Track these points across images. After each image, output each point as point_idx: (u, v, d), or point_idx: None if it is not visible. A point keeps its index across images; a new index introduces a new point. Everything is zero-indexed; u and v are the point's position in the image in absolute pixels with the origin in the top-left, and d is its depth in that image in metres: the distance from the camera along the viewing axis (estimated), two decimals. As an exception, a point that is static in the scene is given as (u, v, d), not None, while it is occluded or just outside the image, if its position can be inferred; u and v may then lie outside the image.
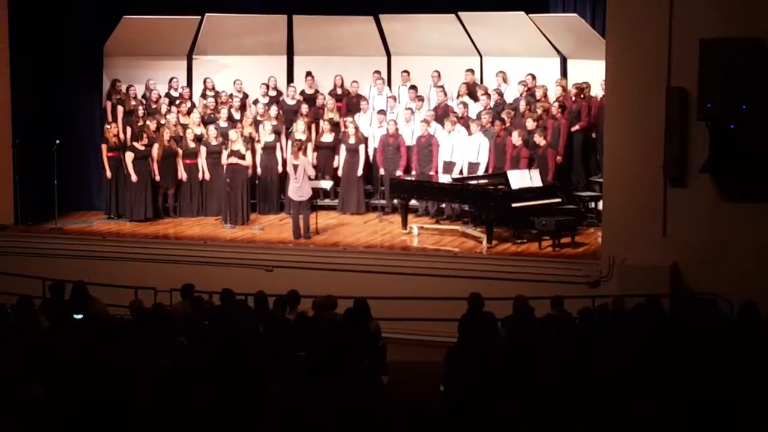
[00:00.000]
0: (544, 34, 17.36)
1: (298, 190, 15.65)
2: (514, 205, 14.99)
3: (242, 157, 16.59)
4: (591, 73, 16.46)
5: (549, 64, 17.64)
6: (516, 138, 15.83)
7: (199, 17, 18.36)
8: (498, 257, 14.66)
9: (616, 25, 13.58)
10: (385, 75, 18.69)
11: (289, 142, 16.80)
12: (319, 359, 8.91)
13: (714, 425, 7.35)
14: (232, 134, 16.67)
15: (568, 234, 14.99)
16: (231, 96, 18.10)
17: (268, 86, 18.34)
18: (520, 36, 17.46)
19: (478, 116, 16.70)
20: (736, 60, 12.56)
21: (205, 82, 18.35)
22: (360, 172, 17.15)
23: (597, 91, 16.38)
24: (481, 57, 18.28)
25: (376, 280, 14.30)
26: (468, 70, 17.88)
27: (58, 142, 16.50)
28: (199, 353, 9.07)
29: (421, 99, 17.54)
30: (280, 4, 18.76)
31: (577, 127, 16.30)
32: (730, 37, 12.63)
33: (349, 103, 18.15)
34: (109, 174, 17.04)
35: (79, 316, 10.70)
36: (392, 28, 18.58)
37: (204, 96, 18.21)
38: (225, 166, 16.62)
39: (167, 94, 18.25)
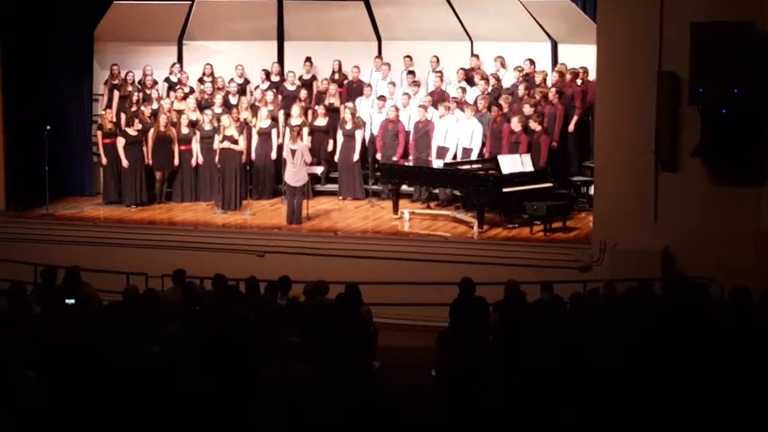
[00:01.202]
0: (535, 19, 17.29)
1: (294, 174, 15.59)
2: (505, 189, 14.96)
3: (235, 142, 16.51)
4: (583, 58, 16.39)
5: (540, 48, 17.59)
6: (516, 124, 15.69)
7: (190, 2, 18.26)
8: (489, 242, 14.63)
9: (606, 9, 13.54)
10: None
11: (286, 128, 16.75)
12: (310, 345, 8.88)
13: (707, 409, 7.33)
14: (225, 120, 16.60)
15: (560, 219, 14.96)
16: (231, 81, 17.98)
17: (268, 72, 18.21)
18: (510, 20, 17.40)
19: (475, 101, 16.63)
20: (727, 44, 12.52)
21: (204, 67, 18.24)
22: (356, 157, 17.06)
23: (594, 75, 16.30)
24: (471, 42, 18.21)
25: (368, 265, 14.26)
26: (474, 55, 17.78)
27: (49, 128, 16.41)
28: (191, 339, 9.02)
29: (417, 84, 17.47)
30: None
31: (575, 117, 16.19)
32: (722, 20, 12.60)
33: (350, 88, 18.06)
34: (104, 160, 16.96)
35: (71, 302, 10.65)
36: (383, 13, 18.49)
37: (202, 81, 18.11)
38: (217, 151, 16.54)
39: (167, 79, 18.16)
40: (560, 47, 17.61)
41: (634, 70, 13.34)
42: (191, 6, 18.30)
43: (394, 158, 16.67)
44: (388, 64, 18.12)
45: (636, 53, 13.31)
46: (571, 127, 16.23)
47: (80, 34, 17.56)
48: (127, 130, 16.82)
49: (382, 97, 17.36)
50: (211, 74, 18.16)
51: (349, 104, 17.25)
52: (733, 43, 12.52)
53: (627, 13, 13.34)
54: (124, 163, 16.71)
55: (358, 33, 18.62)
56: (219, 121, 16.77)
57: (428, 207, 16.55)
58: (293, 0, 18.56)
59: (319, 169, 16.80)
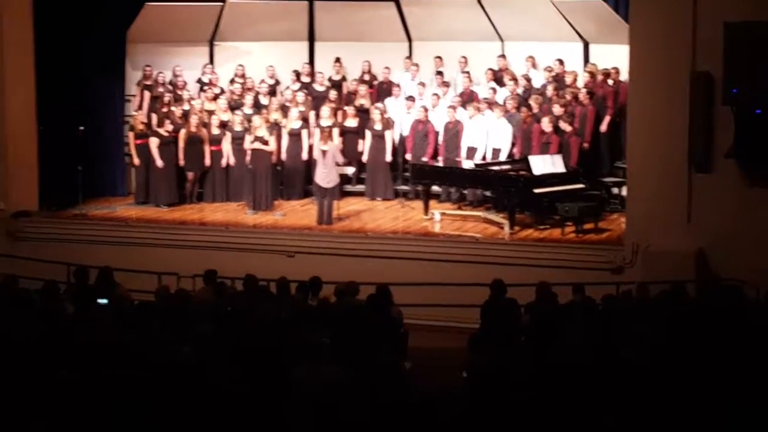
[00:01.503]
0: (566, 19, 17.23)
1: (326, 175, 15.59)
2: (536, 190, 14.90)
3: (265, 143, 16.53)
4: (614, 58, 16.31)
5: (571, 48, 17.52)
6: (546, 124, 15.63)
7: (221, 3, 18.34)
8: (520, 243, 14.58)
9: (639, 8, 13.46)
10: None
11: (317, 129, 16.77)
12: (341, 345, 8.87)
13: (741, 412, 7.26)
14: (256, 120, 16.63)
15: (591, 220, 14.89)
16: (261, 81, 18.02)
17: (299, 73, 18.23)
18: (542, 21, 17.33)
19: (504, 102, 16.58)
20: (761, 44, 12.42)
21: (236, 68, 18.29)
22: (389, 157, 17.03)
23: (626, 76, 16.21)
24: (502, 42, 18.16)
25: (398, 266, 14.25)
26: (500, 56, 17.75)
27: (82, 128, 16.52)
28: (222, 339, 9.04)
29: (446, 85, 17.45)
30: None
31: (607, 118, 16.11)
32: (756, 20, 12.48)
33: (380, 89, 18.05)
34: (137, 161, 17.03)
35: (104, 302, 10.70)
36: (413, 13, 18.48)
37: (232, 82, 18.17)
38: (248, 152, 16.58)
39: (198, 80, 18.24)
40: (591, 47, 17.54)
41: (667, 70, 13.25)
42: (222, 7, 18.37)
43: (424, 159, 16.65)
44: (417, 65, 18.10)
45: (669, 53, 13.22)
46: (603, 127, 16.16)
47: (113, 36, 17.68)
48: (159, 130, 16.88)
49: (410, 98, 17.35)
50: (243, 75, 18.22)
51: (379, 105, 17.24)
52: (768, 43, 12.41)
53: (659, 12, 13.26)
54: (159, 163, 16.76)
55: (388, 33, 18.62)
56: (250, 121, 16.79)
57: (459, 208, 16.51)
58: (324, 1, 18.58)
59: (350, 170, 16.81)
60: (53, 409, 7.57)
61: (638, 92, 13.60)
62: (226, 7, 18.35)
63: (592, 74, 16.64)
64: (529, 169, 15.02)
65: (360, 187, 17.57)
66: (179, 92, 17.80)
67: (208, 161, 17.11)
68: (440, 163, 16.44)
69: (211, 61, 18.84)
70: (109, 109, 17.83)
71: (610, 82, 16.38)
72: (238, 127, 16.94)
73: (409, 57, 18.30)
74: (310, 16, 18.85)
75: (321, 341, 8.88)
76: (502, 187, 15.25)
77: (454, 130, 16.51)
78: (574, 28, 17.37)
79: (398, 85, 17.76)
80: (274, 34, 18.80)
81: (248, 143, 16.58)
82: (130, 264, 13.68)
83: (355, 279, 11.28)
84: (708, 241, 13.08)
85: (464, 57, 17.77)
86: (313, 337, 9.00)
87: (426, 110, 16.85)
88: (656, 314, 9.58)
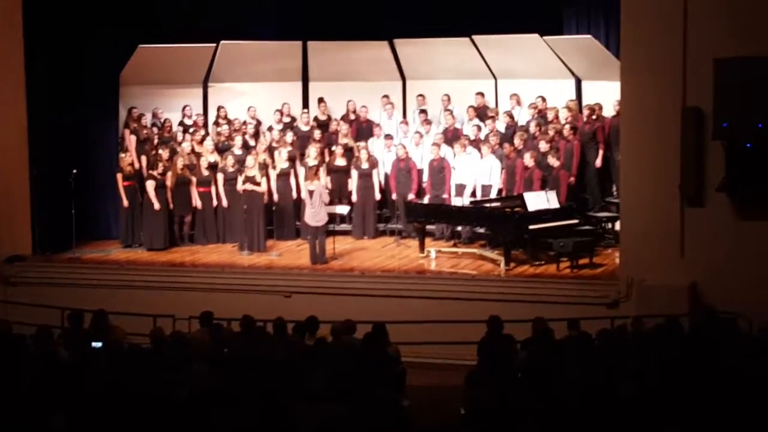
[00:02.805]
0: (558, 56, 17.44)
1: (314, 215, 15.72)
2: (531, 227, 15.02)
3: (257, 184, 16.66)
4: (606, 94, 16.52)
5: (564, 85, 17.72)
6: (528, 159, 15.89)
7: (214, 45, 18.50)
8: (516, 279, 14.67)
9: (630, 46, 13.64)
10: (400, 99, 18.82)
11: (303, 169, 16.92)
12: (339, 384, 8.93)
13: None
14: (249, 160, 16.76)
15: (586, 255, 15.00)
16: (245, 123, 18.22)
17: (282, 113, 18.46)
18: (534, 58, 17.54)
19: (487, 138, 16.81)
20: (750, 79, 12.58)
21: (218, 110, 18.48)
22: (378, 196, 17.20)
23: (609, 111, 16.43)
24: (495, 80, 18.37)
25: (395, 304, 14.32)
26: (478, 93, 17.98)
27: (75, 171, 16.60)
28: (219, 381, 9.10)
29: (429, 123, 17.69)
30: (295, 30, 18.88)
31: (600, 152, 16.31)
32: (745, 56, 12.66)
33: (359, 128, 18.25)
34: (125, 203, 17.14)
35: (98, 345, 10.74)
36: (407, 53, 18.70)
37: (217, 124, 18.32)
38: (242, 193, 16.70)
39: (180, 123, 18.38)
40: (584, 84, 17.74)
41: (658, 105, 13.41)
42: (216, 48, 18.54)
43: (410, 196, 16.82)
44: (392, 104, 18.34)
45: (660, 89, 13.38)
46: (598, 163, 16.36)
47: (106, 78, 17.79)
48: (153, 173, 16.98)
49: (388, 136, 17.57)
50: (226, 116, 18.41)
51: (362, 143, 17.43)
52: (757, 78, 12.58)
53: (650, 49, 13.43)
54: (156, 206, 16.82)
55: (382, 73, 18.81)
56: (243, 164, 16.92)
57: (454, 245, 16.62)
58: (317, 41, 18.77)
59: (344, 209, 16.93)
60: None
61: (630, 127, 13.75)
62: (220, 49, 18.52)
63: (570, 109, 16.85)
64: (523, 205, 15.14)
65: (344, 226, 17.65)
66: (167, 134, 17.97)
67: (196, 203, 17.21)
68: (426, 201, 16.62)
69: (205, 102, 19.00)
70: (103, 151, 17.91)
71: (594, 117, 16.58)
72: (231, 169, 17.07)
73: (386, 96, 18.46)
74: (304, 56, 19.04)
75: (319, 381, 8.93)
76: (497, 224, 15.38)
77: (439, 168, 16.70)
78: (566, 65, 17.57)
79: (378, 125, 17.97)
80: (268, 74, 18.98)
81: (240, 184, 16.71)
82: (125, 307, 13.71)
83: (351, 318, 11.34)
84: (701, 275, 13.18)
85: (446, 95, 18.02)
86: (312, 376, 9.06)
87: (405, 147, 17.05)
88: (651, 348, 9.66)
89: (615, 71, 14.35)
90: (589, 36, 16.93)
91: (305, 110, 18.56)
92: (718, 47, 12.85)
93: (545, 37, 17.22)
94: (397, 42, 18.60)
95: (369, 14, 18.30)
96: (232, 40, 18.46)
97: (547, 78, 17.72)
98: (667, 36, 13.26)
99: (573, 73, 17.72)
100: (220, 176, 17.18)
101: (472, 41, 17.93)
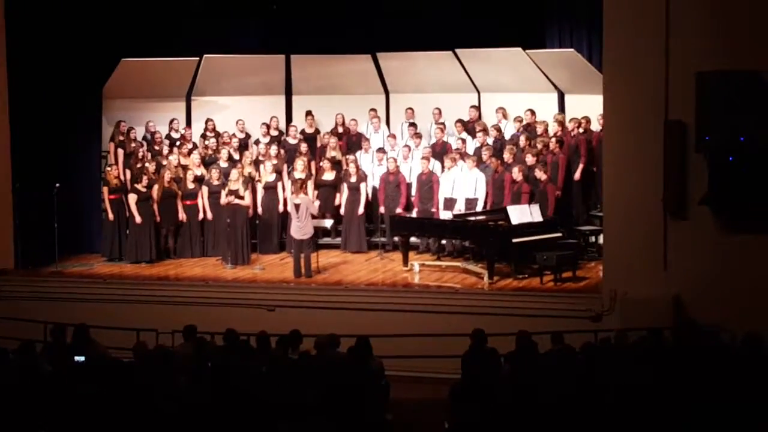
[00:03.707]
0: (541, 70, 17.51)
1: (300, 229, 15.71)
2: (514, 240, 15.05)
3: (240, 197, 16.65)
4: (589, 107, 16.59)
5: (547, 99, 17.79)
6: (516, 173, 15.93)
7: (198, 58, 18.51)
8: (500, 293, 14.69)
9: (612, 59, 13.69)
10: (383, 113, 18.85)
11: (290, 182, 16.93)
12: (323, 398, 8.92)
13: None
14: (233, 174, 16.76)
15: (570, 268, 15.04)
16: (233, 136, 18.21)
17: (269, 126, 18.46)
18: (517, 72, 17.61)
19: (475, 152, 16.83)
20: (732, 92, 12.64)
21: (206, 123, 18.47)
22: (361, 210, 17.22)
23: (597, 125, 16.49)
24: (479, 93, 18.42)
25: (378, 317, 14.31)
26: (472, 107, 18.01)
27: (58, 185, 16.57)
28: (203, 395, 9.07)
29: (419, 136, 17.67)
30: (278, 44, 18.90)
31: (581, 166, 16.38)
32: (727, 69, 12.73)
33: (349, 141, 18.28)
34: (111, 216, 17.11)
35: (81, 359, 10.71)
36: (390, 67, 18.75)
37: (204, 137, 18.33)
38: (225, 207, 16.67)
39: (167, 136, 18.37)
40: (567, 97, 17.82)
41: (640, 119, 13.46)
42: (199, 62, 18.55)
43: (398, 210, 16.82)
44: (379, 117, 18.37)
45: (642, 102, 13.43)
46: (576, 176, 16.41)
47: (88, 92, 17.80)
48: (137, 186, 16.96)
49: (380, 150, 17.59)
50: (214, 129, 18.39)
51: (351, 157, 17.44)
52: (739, 92, 12.64)
53: (632, 63, 13.48)
54: (138, 219, 16.83)
55: (365, 87, 18.86)
56: (226, 176, 16.92)
57: (438, 259, 16.64)
58: (300, 55, 18.80)
59: (328, 222, 16.93)
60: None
61: (613, 141, 13.79)
62: (203, 62, 18.53)
63: (560, 123, 16.92)
64: (507, 219, 15.18)
65: (327, 240, 17.68)
66: (157, 147, 17.92)
67: (182, 216, 17.20)
68: (415, 215, 16.60)
69: (189, 116, 18.99)
70: (86, 165, 17.92)
71: (581, 130, 16.64)
72: (215, 182, 17.07)
73: (374, 109, 18.50)
74: (287, 69, 19.07)
75: (303, 394, 8.92)
76: (481, 237, 15.41)
77: (427, 181, 16.71)
78: (549, 79, 17.64)
79: (367, 139, 17.98)
80: (252, 88, 19.01)
81: (224, 198, 16.69)
82: (107, 321, 13.66)
83: (335, 332, 11.32)
84: (685, 288, 13.21)
85: (438, 109, 18.04)
86: (295, 390, 9.05)
87: (396, 161, 17.07)
88: (635, 361, 9.69)
89: (598, 84, 14.41)
90: (571, 49, 17.00)
91: (293, 124, 18.55)
92: (699, 61, 12.91)
93: (528, 51, 17.29)
94: (380, 55, 18.65)
95: (351, 28, 18.34)
96: (215, 53, 18.47)
97: (531, 91, 17.78)
98: (649, 49, 13.31)
99: (556, 87, 17.78)
100: (204, 189, 17.17)
101: (455, 55, 18.00)
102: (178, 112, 18.91)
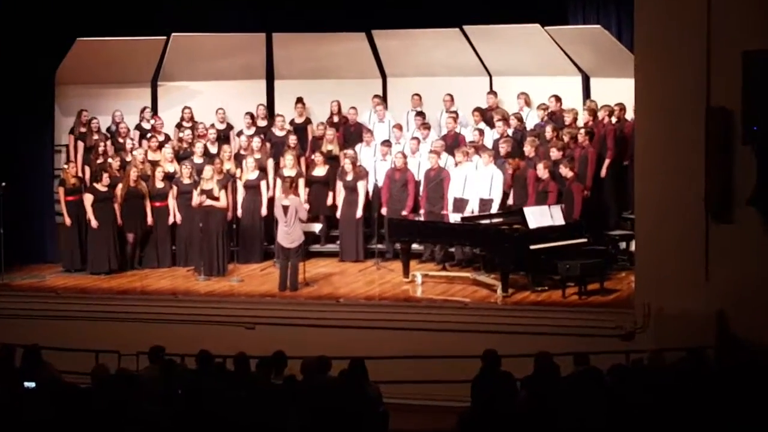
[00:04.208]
0: (562, 49, 17.55)
1: (288, 234, 15.68)
2: (532, 247, 15.06)
3: (215, 198, 16.62)
4: (617, 92, 16.60)
5: (569, 83, 17.84)
6: (542, 170, 15.85)
7: (165, 38, 18.53)
8: (515, 308, 14.74)
9: (645, 36, 13.71)
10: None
11: (278, 180, 16.87)
12: (311, 430, 8.95)
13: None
14: (207, 171, 16.69)
15: (596, 279, 15.06)
16: (211, 126, 18.14)
17: (254, 116, 18.38)
18: (535, 52, 17.65)
19: (494, 145, 16.77)
20: (786, 75, 12.68)
21: (183, 111, 18.44)
22: (359, 213, 17.20)
23: (632, 114, 16.48)
24: (490, 77, 18.46)
25: (375, 336, 14.34)
26: (490, 92, 17.98)
27: (3, 184, 16.58)
28: (172, 425, 9.10)
29: (427, 127, 17.61)
30: (258, 21, 18.92)
31: (607, 161, 16.35)
32: (779, 48, 12.77)
33: (347, 132, 18.22)
34: (68, 221, 17.13)
35: (31, 385, 10.72)
36: (387, 46, 18.78)
37: (180, 127, 18.27)
38: (197, 208, 16.66)
39: (138, 126, 18.35)
40: (592, 81, 17.85)
41: (678, 105, 13.48)
42: (167, 42, 18.57)
43: (404, 213, 16.78)
44: (384, 104, 18.31)
45: (680, 87, 13.45)
46: (603, 172, 16.38)
47: (39, 77, 17.80)
48: (96, 185, 16.96)
49: (386, 142, 17.50)
50: (191, 119, 18.33)
51: (349, 151, 17.37)
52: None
53: (669, 41, 13.50)
54: (93, 223, 16.85)
55: (359, 69, 18.88)
56: (200, 173, 16.89)
57: (444, 268, 16.66)
58: (283, 33, 18.82)
59: (317, 227, 16.92)
60: None
61: (645, 132, 13.81)
62: (171, 42, 18.55)
63: (593, 111, 16.85)
64: (524, 222, 15.18)
65: (330, 247, 17.70)
66: (121, 140, 17.90)
67: (150, 220, 17.21)
68: (422, 218, 16.57)
69: (155, 103, 19.01)
70: (36, 161, 17.95)
71: (614, 119, 16.59)
72: (186, 180, 17.05)
73: (378, 95, 18.50)
74: (269, 50, 19.09)
75: (288, 425, 8.95)
76: (493, 243, 15.42)
77: (437, 179, 16.67)
78: (572, 60, 17.68)
79: (369, 130, 17.93)
80: (228, 71, 19.04)
81: (196, 199, 16.65)
82: (62, 341, 13.67)
83: (325, 353, 11.34)
84: (729, 301, 13.23)
85: (449, 95, 18.00)
86: (279, 420, 9.08)
87: (404, 156, 17.01)
88: (672, 386, 9.72)
89: (628, 66, 14.43)
90: (598, 26, 17.05)
91: (280, 113, 18.52)
92: (747, 38, 12.92)
93: (547, 27, 17.33)
94: (376, 33, 18.67)
95: (343, 1, 18.34)
96: (185, 32, 18.49)
97: (551, 74, 17.83)
98: (688, 25, 13.34)
99: (580, 69, 17.82)
100: (174, 189, 17.15)
101: (463, 32, 18.04)
102: (142, 99, 18.92)
